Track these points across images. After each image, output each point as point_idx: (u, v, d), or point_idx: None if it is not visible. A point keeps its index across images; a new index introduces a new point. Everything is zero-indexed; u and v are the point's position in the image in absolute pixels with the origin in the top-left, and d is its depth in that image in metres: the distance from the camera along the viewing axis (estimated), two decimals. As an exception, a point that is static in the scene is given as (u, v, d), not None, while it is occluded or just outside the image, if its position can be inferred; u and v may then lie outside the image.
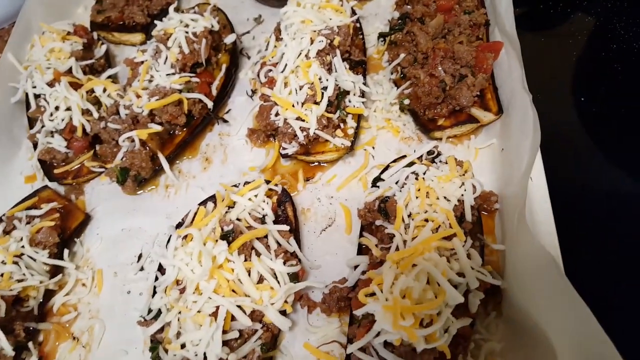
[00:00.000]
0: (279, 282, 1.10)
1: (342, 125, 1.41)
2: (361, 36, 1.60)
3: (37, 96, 1.53)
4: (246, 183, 1.30)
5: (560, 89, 1.61)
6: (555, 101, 1.56)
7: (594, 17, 1.76)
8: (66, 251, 1.35)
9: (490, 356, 1.04)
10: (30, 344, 1.22)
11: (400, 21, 1.58)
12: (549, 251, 0.93)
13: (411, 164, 1.22)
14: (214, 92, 1.57)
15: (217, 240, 1.10)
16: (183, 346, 1.02)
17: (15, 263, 1.23)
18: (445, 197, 1.09)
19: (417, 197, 1.10)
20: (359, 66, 1.53)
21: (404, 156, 1.28)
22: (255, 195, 1.24)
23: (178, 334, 1.03)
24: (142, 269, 1.33)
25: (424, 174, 1.15)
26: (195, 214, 1.20)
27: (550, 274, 0.91)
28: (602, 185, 1.42)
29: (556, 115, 1.51)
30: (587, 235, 1.29)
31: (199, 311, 1.02)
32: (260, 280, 1.11)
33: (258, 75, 1.51)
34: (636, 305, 1.19)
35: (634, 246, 1.29)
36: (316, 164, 1.44)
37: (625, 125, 1.51)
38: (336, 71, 1.41)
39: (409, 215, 1.09)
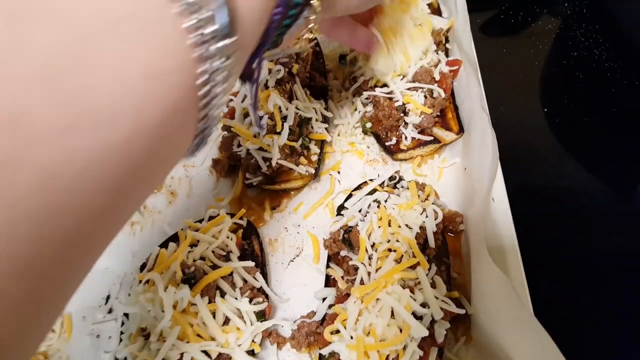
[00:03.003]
0: (245, 322, 1.09)
1: (305, 152, 1.40)
2: (322, 60, 1.59)
3: None
4: (211, 218, 1.28)
5: (524, 94, 1.63)
6: (518, 108, 1.58)
7: (557, 21, 1.78)
8: (31, 299, 1.32)
9: (459, 382, 1.04)
10: (-3, 399, 1.19)
11: (360, 41, 1.57)
12: (509, 279, 0.92)
13: (374, 191, 1.21)
14: (177, 123, 1.54)
15: (179, 284, 1.08)
16: (149, 396, 1.00)
17: (-23, 316, 1.20)
18: (407, 225, 1.08)
19: (379, 227, 1.09)
20: (321, 91, 1.52)
21: (367, 182, 1.27)
22: (219, 231, 1.22)
23: (143, 384, 1.01)
24: (110, 310, 1.30)
25: (386, 201, 1.14)
26: (157, 256, 1.17)
27: (512, 303, 0.90)
28: (570, 190, 1.43)
29: (519, 122, 1.54)
30: (554, 236, 1.32)
31: (163, 359, 1.00)
32: (227, 321, 1.09)
33: (220, 105, 1.49)
34: (602, 320, 1.19)
35: (599, 253, 1.31)
36: (282, 191, 1.42)
37: (589, 130, 1.53)
38: (296, 99, 1.40)
39: (372, 246, 1.08)
